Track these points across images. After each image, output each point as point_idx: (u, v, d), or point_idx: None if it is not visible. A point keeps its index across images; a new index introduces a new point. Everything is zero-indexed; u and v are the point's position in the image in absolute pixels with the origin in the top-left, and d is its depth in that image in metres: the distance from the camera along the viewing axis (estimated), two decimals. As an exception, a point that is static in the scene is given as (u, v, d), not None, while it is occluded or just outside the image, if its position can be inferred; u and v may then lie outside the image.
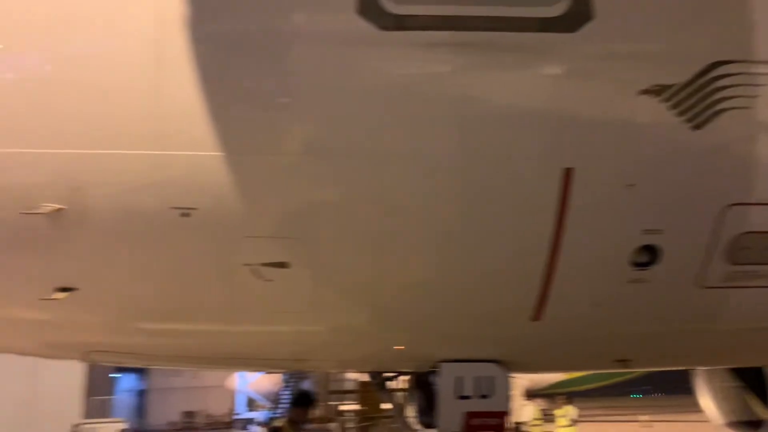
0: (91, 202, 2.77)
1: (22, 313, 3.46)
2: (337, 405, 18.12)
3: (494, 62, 2.83)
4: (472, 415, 3.70)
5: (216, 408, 34.60)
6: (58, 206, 2.72)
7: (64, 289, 3.01)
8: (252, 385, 24.80)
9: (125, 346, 3.91)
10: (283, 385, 22.61)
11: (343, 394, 16.29)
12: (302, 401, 5.99)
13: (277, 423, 6.43)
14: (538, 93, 2.87)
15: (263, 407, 25.25)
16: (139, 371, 34.67)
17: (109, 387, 17.13)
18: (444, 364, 3.77)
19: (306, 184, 2.88)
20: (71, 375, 15.19)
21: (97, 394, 16.03)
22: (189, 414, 35.71)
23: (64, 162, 2.71)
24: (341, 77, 2.80)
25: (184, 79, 2.69)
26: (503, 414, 3.78)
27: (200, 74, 2.70)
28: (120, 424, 11.13)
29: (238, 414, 29.64)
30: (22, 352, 5.46)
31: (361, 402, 13.69)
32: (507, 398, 3.83)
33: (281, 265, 3.00)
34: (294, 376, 20.78)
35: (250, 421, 26.19)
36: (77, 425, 11.00)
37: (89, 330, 3.61)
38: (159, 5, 2.75)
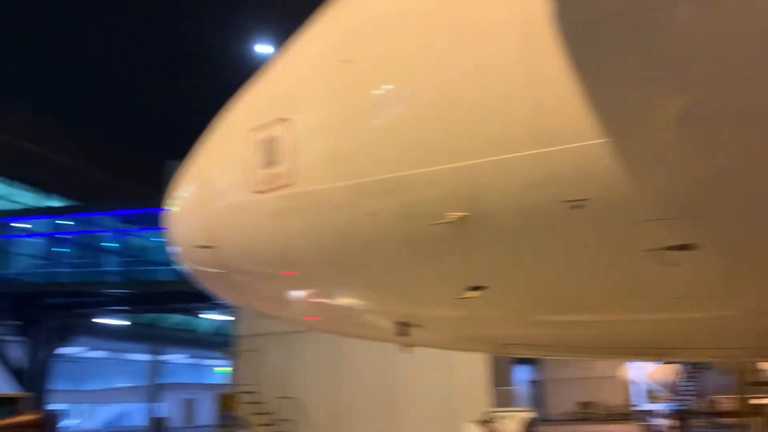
0: (490, 206, 2.98)
1: (440, 312, 3.92)
2: (754, 398, 16.06)
3: None
4: None
5: (610, 399, 34.00)
6: (462, 214, 3.01)
7: (475, 288, 3.31)
8: (649, 375, 23.65)
9: (533, 337, 4.12)
10: (684, 375, 21.06)
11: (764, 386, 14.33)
12: None
13: None
14: None
15: (663, 399, 23.85)
16: (534, 363, 36.13)
17: (509, 378, 18.16)
18: None
19: (704, 157, 2.61)
20: (478, 367, 16.67)
21: (500, 385, 17.17)
22: (584, 404, 35.81)
23: (462, 173, 2.97)
24: (715, 34, 2.49)
25: (556, 73, 2.71)
26: None
27: (572, 65, 2.69)
28: (529, 413, 11.65)
29: (635, 405, 28.52)
30: (440, 346, 6.20)
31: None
32: None
33: (686, 247, 2.79)
34: (696, 366, 19.19)
35: (649, 412, 24.97)
36: (490, 412, 11.91)
37: (501, 324, 3.90)
38: (523, 5, 2.83)
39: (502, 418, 11.28)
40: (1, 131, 37.58)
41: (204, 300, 18.54)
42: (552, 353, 6.68)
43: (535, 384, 38.13)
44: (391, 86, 3.30)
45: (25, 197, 39.74)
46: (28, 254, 27.96)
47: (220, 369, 40.01)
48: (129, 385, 45.95)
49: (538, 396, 37.46)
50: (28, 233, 28.20)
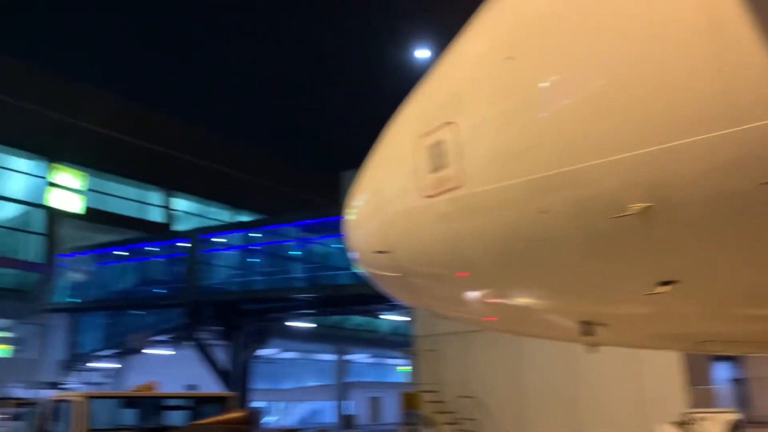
0: (676, 194, 2.76)
1: (627, 309, 3.70)
2: None
3: None
4: None
5: None
6: (645, 204, 2.81)
7: (665, 283, 3.08)
8: None
9: (734, 334, 3.75)
10: None
11: None
12: None
13: None
14: None
15: None
16: (736, 359, 32.86)
17: (708, 376, 16.72)
18: None
19: None
20: (671, 365, 15.53)
21: (697, 384, 15.85)
22: (803, 406, 31.84)
23: (642, 161, 2.77)
24: None
25: (746, 43, 2.45)
26: None
27: (764, 31, 2.42)
28: (733, 414, 10.57)
29: None
30: (628, 345, 5.87)
31: None
32: None
33: None
34: None
35: None
36: (688, 413, 10.99)
37: (696, 320, 3.59)
38: None
39: (702, 419, 10.34)
40: (200, 157, 42.16)
41: (383, 302, 19.21)
42: (758, 350, 6.02)
43: (739, 382, 34.64)
44: (558, 77, 3.18)
45: (220, 214, 44.09)
46: (226, 265, 30.86)
47: (403, 368, 41.14)
48: (319, 383, 48.93)
49: (743, 396, 33.99)
50: (225, 246, 31.10)
